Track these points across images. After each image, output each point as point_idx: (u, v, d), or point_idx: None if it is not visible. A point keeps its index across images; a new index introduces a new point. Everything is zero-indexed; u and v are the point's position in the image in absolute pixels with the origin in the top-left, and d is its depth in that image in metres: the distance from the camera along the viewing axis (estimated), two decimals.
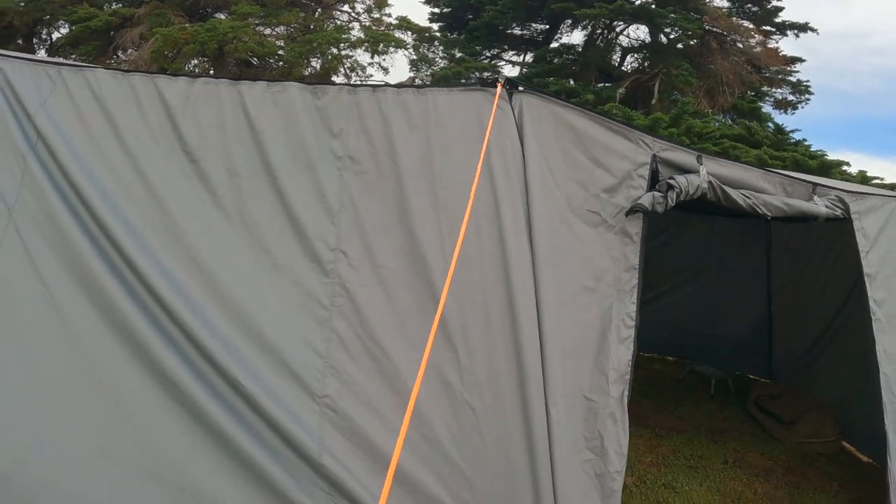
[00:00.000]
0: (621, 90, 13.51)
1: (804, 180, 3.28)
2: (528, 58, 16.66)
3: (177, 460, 2.15)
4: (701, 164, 2.77)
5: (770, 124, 13.37)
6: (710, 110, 13.39)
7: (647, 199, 2.56)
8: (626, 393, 2.41)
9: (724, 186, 2.82)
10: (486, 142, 2.29)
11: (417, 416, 2.13)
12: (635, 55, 15.54)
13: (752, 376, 5.75)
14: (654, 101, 13.30)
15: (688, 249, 5.89)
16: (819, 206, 3.22)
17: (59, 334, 2.26)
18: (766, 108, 15.19)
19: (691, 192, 2.69)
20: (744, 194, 2.90)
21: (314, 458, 2.10)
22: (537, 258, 2.33)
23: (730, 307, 5.65)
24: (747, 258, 5.65)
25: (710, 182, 2.76)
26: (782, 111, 15.60)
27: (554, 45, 16.06)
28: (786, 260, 5.35)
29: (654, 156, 2.67)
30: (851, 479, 4.04)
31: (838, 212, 3.25)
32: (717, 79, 13.73)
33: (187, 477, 2.15)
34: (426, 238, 2.24)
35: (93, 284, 2.26)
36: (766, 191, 3.03)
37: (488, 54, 16.47)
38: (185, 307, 2.16)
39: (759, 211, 2.96)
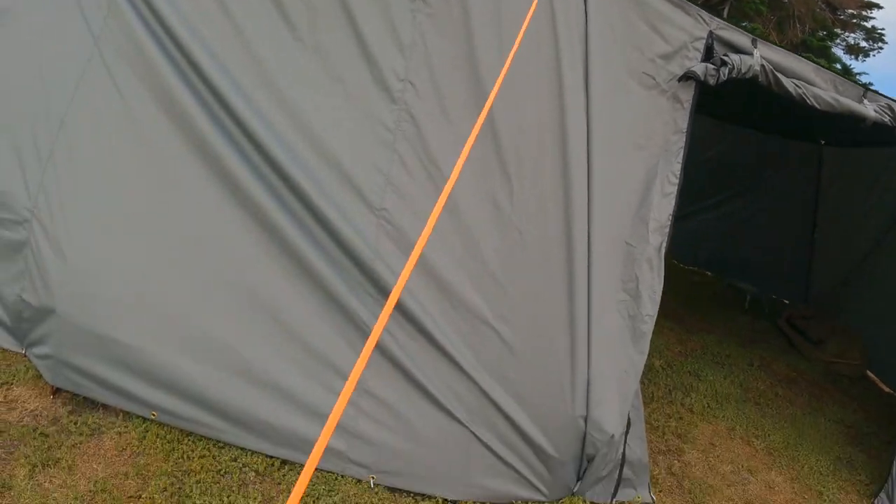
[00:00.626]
0: None
1: (856, 82, 3.32)
2: None
3: (240, 261, 2.38)
4: (755, 47, 2.85)
5: (838, 65, 12.91)
6: (778, 42, 12.94)
7: (699, 69, 2.66)
8: (664, 245, 2.56)
9: (776, 72, 2.89)
10: None
11: (466, 232, 2.32)
12: None
13: (786, 301, 5.81)
14: None
15: (739, 166, 5.86)
16: (868, 108, 3.27)
17: (136, 142, 2.49)
18: (837, 50, 14.63)
19: (743, 71, 2.77)
20: (795, 83, 2.97)
21: (367, 263, 2.31)
22: (592, 111, 2.46)
23: (774, 229, 5.67)
24: (797, 182, 5.63)
25: (762, 65, 2.83)
26: (853, 56, 14.99)
27: None
28: (834, 187, 5.34)
29: (711, 32, 2.75)
30: (870, 402, 4.15)
31: (886, 118, 3.29)
32: (789, 12, 13.23)
33: (247, 277, 2.38)
34: (489, 79, 2.39)
35: (171, 102, 2.46)
36: (817, 84, 3.09)
37: None
38: (258, 122, 2.35)
39: (808, 102, 3.02)
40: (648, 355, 2.54)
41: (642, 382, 2.74)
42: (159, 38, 2.48)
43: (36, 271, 2.50)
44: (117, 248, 2.41)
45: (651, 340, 2.55)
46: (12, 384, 2.63)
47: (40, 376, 2.64)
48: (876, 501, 3.22)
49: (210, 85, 2.44)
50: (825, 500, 3.12)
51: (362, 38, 2.41)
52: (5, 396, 2.57)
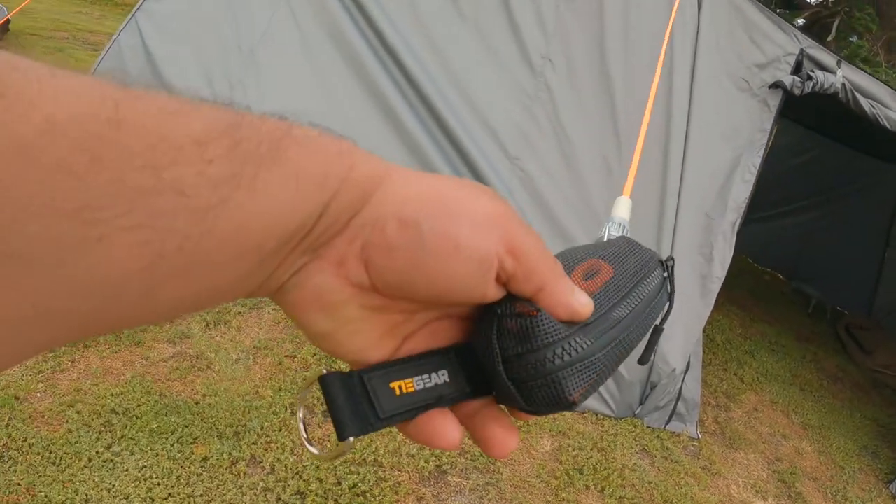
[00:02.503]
0: (800, 20, 13.07)
1: None
2: None
3: None
4: (839, 68, 3.30)
5: None
6: (885, 62, 12.79)
7: (788, 80, 3.14)
8: (738, 222, 3.06)
9: (855, 91, 3.34)
10: (676, 4, 2.94)
11: (581, 183, 2.88)
12: None
13: (848, 311, 6.05)
14: (829, 39, 12.71)
15: (824, 176, 5.98)
16: None
17: (313, 82, 3.12)
18: None
19: (825, 87, 3.23)
20: (871, 103, 3.41)
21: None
22: (693, 101, 2.99)
23: (848, 241, 5.81)
24: (875, 200, 5.74)
25: (843, 84, 3.29)
26: None
27: None
28: None
29: (802, 50, 3.23)
30: None
31: None
32: None
33: None
34: (614, 65, 2.94)
35: (348, 50, 3.10)
36: (892, 108, 3.51)
37: None
38: (424, 77, 2.96)
39: (881, 122, 3.45)
40: (712, 330, 3.01)
41: (703, 350, 3.23)
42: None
43: None
44: None
45: (715, 318, 3.03)
46: None
47: None
48: (892, 487, 3.62)
49: (379, 34, 3.05)
50: (845, 474, 3.54)
51: (514, 20, 2.99)
52: None
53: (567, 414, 3.01)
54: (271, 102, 3.21)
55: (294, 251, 0.26)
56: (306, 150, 0.25)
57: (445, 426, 0.31)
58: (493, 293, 0.30)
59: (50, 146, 0.17)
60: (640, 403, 3.03)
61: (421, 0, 3.08)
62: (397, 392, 0.30)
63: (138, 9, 3.33)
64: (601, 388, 2.95)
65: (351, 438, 0.29)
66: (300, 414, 0.32)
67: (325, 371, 0.30)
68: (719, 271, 3.02)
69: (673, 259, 0.46)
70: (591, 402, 2.97)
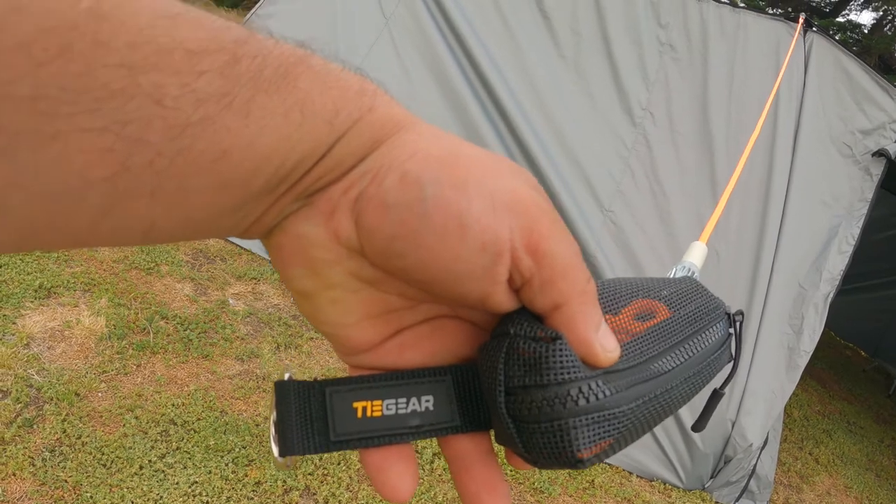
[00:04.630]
0: None
1: None
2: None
3: None
4: None
5: None
6: None
7: (892, 148, 3.00)
8: (831, 295, 2.91)
9: None
10: (785, 64, 2.81)
11: (674, 242, 2.75)
12: None
13: None
14: None
15: None
16: None
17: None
18: None
19: None
20: None
21: (589, 252, 2.76)
22: (795, 164, 2.85)
23: None
24: None
25: None
26: None
27: (840, 19, 15.29)
28: None
29: None
30: None
31: None
32: None
33: None
34: (716, 122, 2.81)
35: (446, 81, 3.00)
36: None
37: (772, 11, 16.01)
38: (520, 117, 2.86)
39: None
40: (790, 405, 2.86)
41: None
42: (441, 28, 3.03)
43: None
44: None
45: (794, 392, 2.88)
46: (259, 280, 3.18)
47: None
48: None
49: (479, 71, 2.96)
50: None
51: (616, 67, 2.88)
52: (253, 289, 3.13)
53: (634, 479, 2.87)
54: None
55: (287, 193, 0.23)
56: (321, 81, 0.22)
57: (394, 470, 0.26)
58: (501, 298, 0.25)
59: (15, 25, 0.16)
60: (712, 477, 2.88)
61: (520, 35, 2.98)
62: (359, 414, 0.27)
63: (253, 14, 3.28)
64: (672, 454, 2.80)
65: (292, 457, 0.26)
66: (273, 417, 0.28)
67: (287, 376, 0.28)
68: (808, 345, 2.87)
69: (742, 314, 0.38)
70: (661, 470, 2.83)
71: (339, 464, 2.22)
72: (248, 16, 3.22)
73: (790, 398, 3.25)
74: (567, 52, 2.93)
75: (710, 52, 2.89)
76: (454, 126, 2.95)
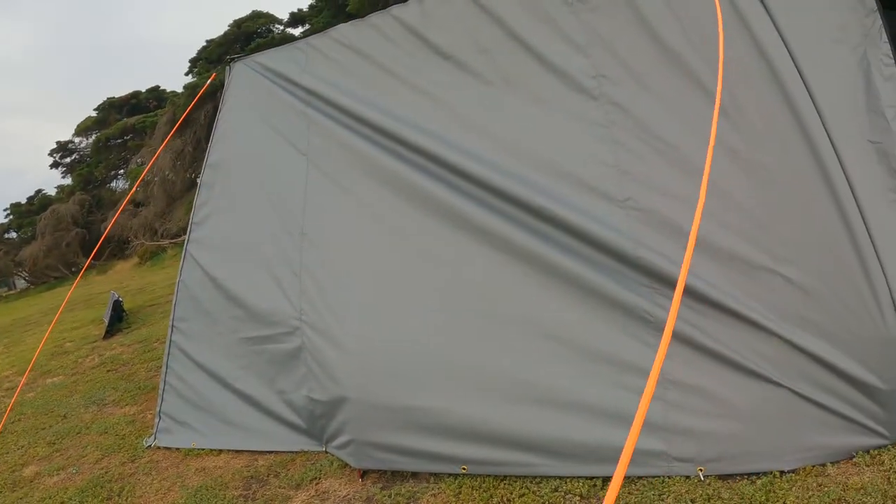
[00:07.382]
0: None
1: None
2: None
3: (510, 296, 2.46)
4: None
5: None
6: None
7: None
8: None
9: None
10: None
11: (713, 188, 2.27)
12: None
13: None
14: None
15: None
16: None
17: (370, 220, 2.68)
18: None
19: None
20: None
21: (630, 254, 2.32)
22: (780, 23, 2.40)
23: None
24: None
25: None
26: None
27: None
28: None
29: None
30: None
31: None
32: None
33: (523, 310, 2.44)
34: (673, 39, 2.38)
35: (392, 177, 2.65)
36: None
37: None
38: (478, 166, 2.49)
39: None
40: None
41: None
42: (356, 129, 2.72)
43: (318, 369, 2.70)
44: (390, 323, 2.57)
45: None
46: (320, 478, 2.79)
47: (346, 465, 2.79)
48: None
49: (410, 145, 2.61)
50: None
51: (540, 54, 2.51)
52: (316, 490, 2.72)
53: (830, 469, 2.25)
54: (338, 269, 2.77)
55: None
56: None
57: None
58: None
59: None
60: None
61: (435, 90, 2.65)
62: None
63: (188, 243, 3.22)
64: (856, 415, 2.20)
65: None
66: None
67: None
68: None
69: None
70: (851, 439, 2.21)
71: None
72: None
73: None
74: (489, 76, 2.58)
75: None
76: (425, 217, 2.60)
